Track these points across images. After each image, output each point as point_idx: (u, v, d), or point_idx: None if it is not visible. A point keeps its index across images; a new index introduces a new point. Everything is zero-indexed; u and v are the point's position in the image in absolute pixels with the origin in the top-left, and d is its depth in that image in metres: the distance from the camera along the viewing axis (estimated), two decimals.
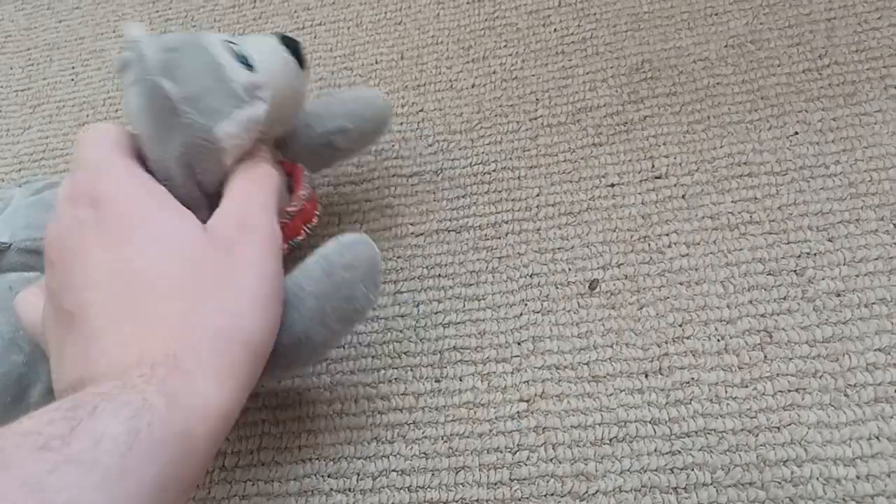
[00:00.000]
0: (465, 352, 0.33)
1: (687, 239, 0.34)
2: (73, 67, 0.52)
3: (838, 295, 0.31)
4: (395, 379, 0.33)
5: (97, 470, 0.19)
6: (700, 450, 0.29)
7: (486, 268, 0.36)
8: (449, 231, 0.37)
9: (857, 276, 0.31)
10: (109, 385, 0.21)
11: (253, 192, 0.28)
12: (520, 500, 0.29)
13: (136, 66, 0.27)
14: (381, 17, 0.48)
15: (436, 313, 0.35)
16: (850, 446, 0.28)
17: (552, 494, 0.29)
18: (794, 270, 0.32)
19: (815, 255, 0.32)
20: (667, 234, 0.35)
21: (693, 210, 0.35)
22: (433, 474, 0.30)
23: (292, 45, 0.32)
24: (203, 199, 0.29)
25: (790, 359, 0.30)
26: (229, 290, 0.25)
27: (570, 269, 0.35)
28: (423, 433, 0.31)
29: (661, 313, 0.32)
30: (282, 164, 0.33)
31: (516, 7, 0.46)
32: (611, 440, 0.30)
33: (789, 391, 0.29)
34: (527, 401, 0.31)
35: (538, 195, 0.37)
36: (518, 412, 0.31)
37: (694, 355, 0.31)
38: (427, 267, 0.36)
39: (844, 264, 0.32)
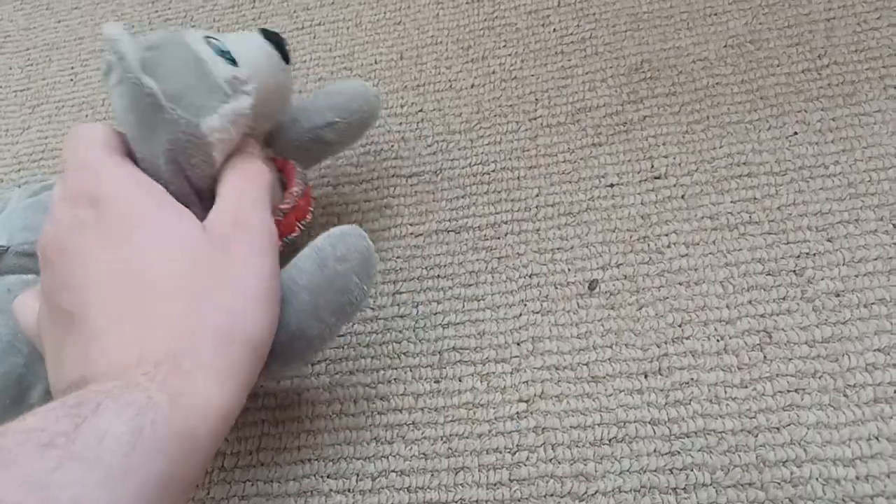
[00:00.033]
0: (465, 352, 0.33)
1: (686, 239, 0.34)
2: (72, 68, 0.52)
3: (837, 295, 0.31)
4: (395, 379, 0.33)
5: (100, 468, 0.19)
6: (699, 450, 0.29)
7: (486, 268, 0.36)
8: (448, 231, 0.37)
9: (856, 276, 0.31)
10: (112, 383, 0.21)
11: (246, 189, 0.28)
12: (519, 500, 0.29)
13: (118, 66, 0.27)
14: (380, 17, 0.48)
15: (435, 314, 0.35)
16: (849, 447, 0.28)
17: (551, 495, 0.29)
18: (794, 270, 0.32)
19: (814, 255, 0.32)
20: (666, 235, 0.35)
21: (692, 210, 0.35)
22: (432, 475, 0.30)
23: (275, 40, 0.31)
24: (195, 196, 0.29)
25: (789, 359, 0.30)
26: (227, 288, 0.25)
27: (569, 270, 0.35)
28: (422, 434, 0.31)
29: (661, 313, 0.32)
30: (273, 160, 0.33)
31: (515, 7, 0.46)
32: (610, 441, 0.30)
33: (789, 391, 0.29)
34: (526, 401, 0.31)
35: (537, 195, 0.37)
36: (517, 413, 0.31)
37: (693, 356, 0.31)
38: (426, 267, 0.36)
39: (844, 264, 0.32)
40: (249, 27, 0.50)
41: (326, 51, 0.47)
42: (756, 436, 0.29)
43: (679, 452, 0.29)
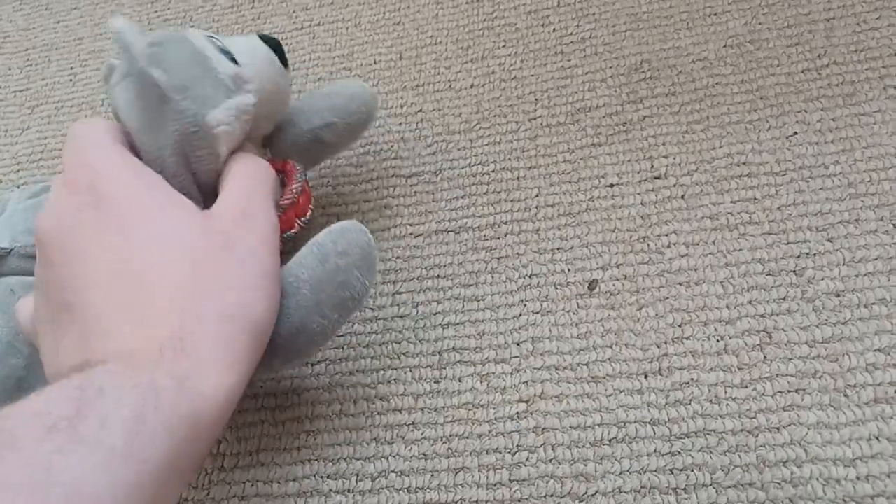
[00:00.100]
0: (465, 352, 0.33)
1: (686, 239, 0.34)
2: (71, 68, 0.51)
3: (838, 295, 0.31)
4: (395, 380, 0.33)
5: (102, 451, 0.19)
6: (700, 450, 0.29)
7: (486, 268, 0.36)
8: (448, 232, 0.37)
9: (856, 276, 0.31)
10: (116, 366, 0.21)
11: (250, 183, 0.29)
12: (519, 500, 0.29)
13: (125, 58, 0.28)
14: (379, 17, 0.48)
15: (435, 314, 0.35)
16: (849, 447, 0.28)
17: (551, 495, 0.29)
18: (794, 271, 0.32)
19: (814, 255, 0.32)
20: (666, 235, 0.35)
21: (692, 210, 0.35)
22: (432, 475, 0.30)
23: (273, 44, 0.32)
24: (197, 192, 0.29)
25: (790, 359, 0.30)
26: (232, 275, 0.25)
27: (569, 270, 0.35)
28: (422, 434, 0.31)
29: (661, 314, 0.32)
30: (272, 161, 0.33)
31: (515, 7, 0.46)
32: (610, 441, 0.30)
33: (789, 392, 0.29)
34: (526, 401, 0.31)
35: (537, 195, 0.37)
36: (517, 413, 0.31)
37: (693, 356, 0.31)
38: (426, 268, 0.36)
39: (844, 264, 0.32)
40: (249, 27, 0.50)
41: (325, 51, 0.47)
42: (756, 436, 0.28)
43: (679, 453, 0.29)
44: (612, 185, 0.37)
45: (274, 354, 0.27)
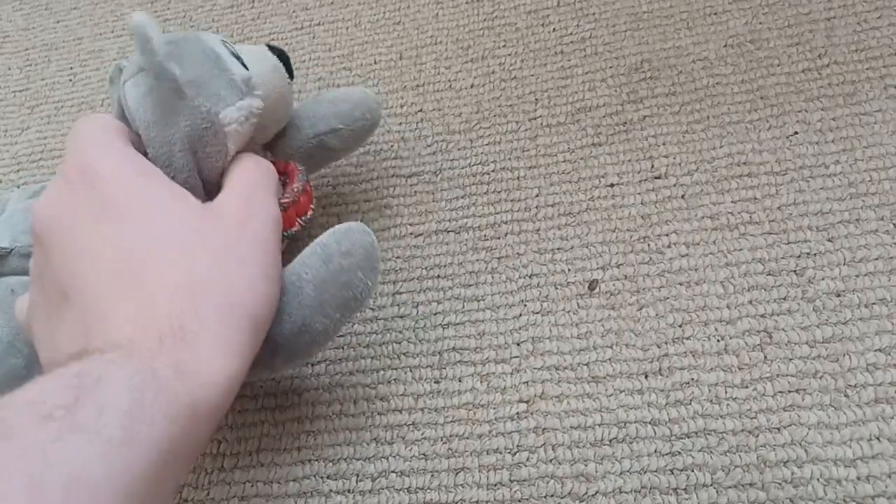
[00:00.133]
0: (465, 352, 0.33)
1: (686, 239, 0.34)
2: (71, 68, 0.51)
3: (838, 295, 0.31)
4: (395, 380, 0.33)
5: (100, 440, 0.19)
6: (700, 451, 0.29)
7: (486, 268, 0.36)
8: (448, 231, 0.37)
9: (857, 276, 0.31)
10: (115, 354, 0.21)
11: (254, 178, 0.29)
12: (519, 501, 0.29)
13: (141, 53, 0.28)
14: (379, 16, 0.48)
15: (435, 314, 0.35)
16: (850, 447, 0.28)
17: (552, 495, 0.29)
18: (794, 271, 0.32)
19: (815, 255, 0.32)
20: (666, 235, 0.34)
21: (693, 210, 0.35)
22: (433, 475, 0.30)
23: (280, 55, 0.33)
24: (202, 188, 0.29)
25: (790, 359, 0.30)
26: (232, 265, 0.25)
27: (569, 270, 0.35)
28: (422, 434, 0.31)
29: (661, 314, 0.32)
30: (275, 163, 0.33)
31: (515, 7, 0.46)
32: (611, 441, 0.30)
33: (789, 392, 0.29)
34: (526, 402, 0.31)
35: (537, 195, 0.37)
36: (517, 413, 0.31)
37: (694, 356, 0.31)
38: (426, 267, 0.36)
39: (844, 264, 0.32)
40: (248, 27, 0.50)
41: (326, 51, 0.47)
42: (757, 436, 0.28)
43: (680, 453, 0.29)
44: (612, 185, 0.37)
45: (276, 354, 0.27)
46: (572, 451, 0.30)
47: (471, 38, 0.45)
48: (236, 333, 0.24)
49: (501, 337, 0.33)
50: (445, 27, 0.46)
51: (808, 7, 0.40)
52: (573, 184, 0.37)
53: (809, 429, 0.28)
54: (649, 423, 0.30)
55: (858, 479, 0.27)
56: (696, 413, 0.29)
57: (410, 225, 0.38)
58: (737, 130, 0.37)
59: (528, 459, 0.30)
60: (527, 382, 0.32)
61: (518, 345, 0.33)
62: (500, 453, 0.30)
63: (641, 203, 0.36)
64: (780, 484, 0.27)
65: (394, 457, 0.31)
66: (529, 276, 0.35)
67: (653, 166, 0.37)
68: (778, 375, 0.30)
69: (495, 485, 0.30)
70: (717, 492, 0.28)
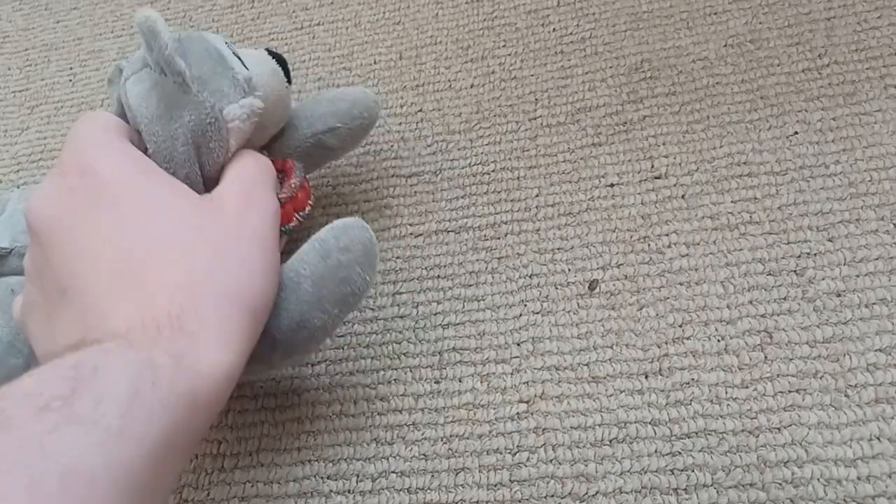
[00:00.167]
0: (465, 353, 0.33)
1: (687, 239, 0.34)
2: (70, 68, 0.51)
3: (839, 295, 0.31)
4: (395, 380, 0.33)
5: (97, 431, 0.19)
6: (700, 451, 0.29)
7: (486, 268, 0.36)
8: (448, 232, 0.37)
9: (857, 276, 0.31)
10: (113, 345, 0.21)
11: (252, 171, 0.29)
12: (519, 501, 0.29)
13: (148, 47, 0.28)
14: (379, 16, 0.48)
15: (435, 314, 0.35)
16: (850, 447, 0.28)
17: (552, 496, 0.29)
18: (794, 270, 0.32)
19: (815, 255, 0.32)
20: (666, 235, 0.34)
21: (693, 210, 0.35)
22: (433, 476, 0.30)
23: (279, 59, 0.33)
24: (202, 184, 0.30)
25: (790, 359, 0.30)
26: (231, 256, 0.25)
27: (569, 270, 0.35)
28: (422, 434, 0.31)
29: (661, 314, 0.32)
30: (273, 161, 0.33)
31: (515, 7, 0.46)
32: (611, 441, 0.30)
33: (790, 392, 0.29)
34: (526, 402, 0.31)
35: (537, 195, 0.37)
36: (518, 413, 0.31)
37: (694, 356, 0.31)
38: (426, 268, 0.36)
39: (845, 264, 0.32)
40: (248, 27, 0.50)
41: (325, 51, 0.47)
42: (757, 436, 0.28)
43: (680, 453, 0.29)
44: (612, 185, 0.37)
45: (274, 349, 0.27)
46: (572, 452, 0.30)
47: (471, 38, 0.45)
48: (235, 325, 0.24)
49: (501, 337, 0.33)
50: (445, 27, 0.46)
51: (808, 7, 0.40)
52: (573, 184, 0.37)
53: (810, 429, 0.28)
54: (649, 423, 0.30)
55: (859, 479, 0.27)
56: (697, 413, 0.29)
57: (410, 225, 0.38)
58: (737, 130, 0.37)
59: (528, 460, 0.30)
60: (527, 382, 0.32)
61: (518, 345, 0.33)
62: (501, 453, 0.30)
63: (641, 203, 0.36)
64: (780, 484, 0.27)
65: (394, 457, 0.31)
66: (529, 276, 0.35)
67: (653, 166, 0.37)
68: (778, 375, 0.30)
69: (495, 485, 0.30)
70: (717, 492, 0.28)
